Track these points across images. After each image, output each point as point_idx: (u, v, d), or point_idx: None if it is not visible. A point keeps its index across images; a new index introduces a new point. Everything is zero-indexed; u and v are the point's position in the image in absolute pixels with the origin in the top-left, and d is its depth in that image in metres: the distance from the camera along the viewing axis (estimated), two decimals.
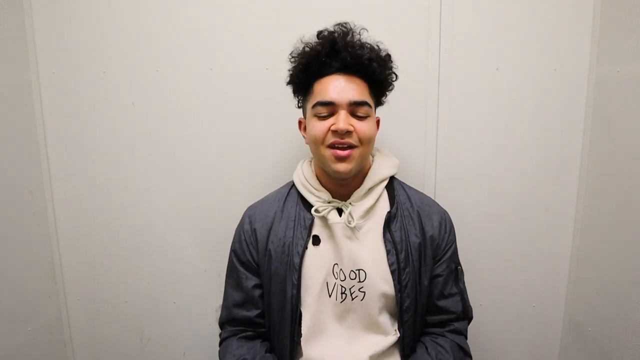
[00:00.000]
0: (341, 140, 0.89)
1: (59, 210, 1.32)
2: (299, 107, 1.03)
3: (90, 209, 1.31)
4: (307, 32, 1.15)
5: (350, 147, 0.90)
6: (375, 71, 0.92)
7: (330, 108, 0.90)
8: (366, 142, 0.91)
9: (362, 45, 0.92)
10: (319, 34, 0.95)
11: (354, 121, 0.90)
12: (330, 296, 0.94)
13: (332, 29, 0.94)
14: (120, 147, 1.27)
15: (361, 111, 0.91)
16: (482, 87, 1.17)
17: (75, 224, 1.32)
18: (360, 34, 0.94)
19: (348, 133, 0.89)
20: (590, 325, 1.17)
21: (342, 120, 0.88)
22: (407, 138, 1.20)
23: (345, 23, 0.94)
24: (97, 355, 1.39)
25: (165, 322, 1.36)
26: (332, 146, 0.90)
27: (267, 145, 1.24)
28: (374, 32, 1.14)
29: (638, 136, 1.00)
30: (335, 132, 0.89)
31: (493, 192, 1.22)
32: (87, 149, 1.27)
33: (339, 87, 0.90)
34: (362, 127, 0.90)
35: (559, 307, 1.26)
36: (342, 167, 0.90)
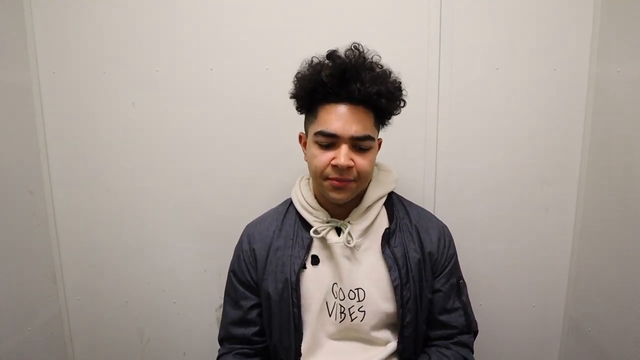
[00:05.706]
0: (340, 177, 0.89)
1: (59, 210, 1.32)
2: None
3: (90, 209, 1.31)
4: (306, 33, 1.16)
5: (348, 180, 0.90)
6: (382, 106, 0.89)
7: (332, 139, 0.89)
8: (364, 178, 0.91)
9: (373, 78, 0.87)
10: (329, 56, 0.90)
11: (354, 155, 0.89)
12: (330, 316, 0.94)
13: (342, 55, 0.89)
14: (120, 147, 1.27)
15: (363, 145, 0.89)
16: (482, 87, 1.17)
17: (75, 224, 1.32)
18: (372, 59, 0.90)
19: (348, 169, 0.88)
20: (590, 325, 1.17)
21: (343, 155, 0.87)
22: (407, 135, 1.20)
23: (358, 45, 0.90)
24: (97, 355, 1.39)
25: (165, 322, 1.36)
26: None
27: (267, 144, 1.24)
28: (374, 32, 1.14)
29: (638, 136, 1.00)
30: (335, 167, 0.88)
31: (493, 192, 1.22)
32: (87, 149, 1.27)
33: (343, 119, 0.87)
34: (362, 163, 0.89)
35: (559, 307, 1.26)
36: (338, 196, 0.91)
